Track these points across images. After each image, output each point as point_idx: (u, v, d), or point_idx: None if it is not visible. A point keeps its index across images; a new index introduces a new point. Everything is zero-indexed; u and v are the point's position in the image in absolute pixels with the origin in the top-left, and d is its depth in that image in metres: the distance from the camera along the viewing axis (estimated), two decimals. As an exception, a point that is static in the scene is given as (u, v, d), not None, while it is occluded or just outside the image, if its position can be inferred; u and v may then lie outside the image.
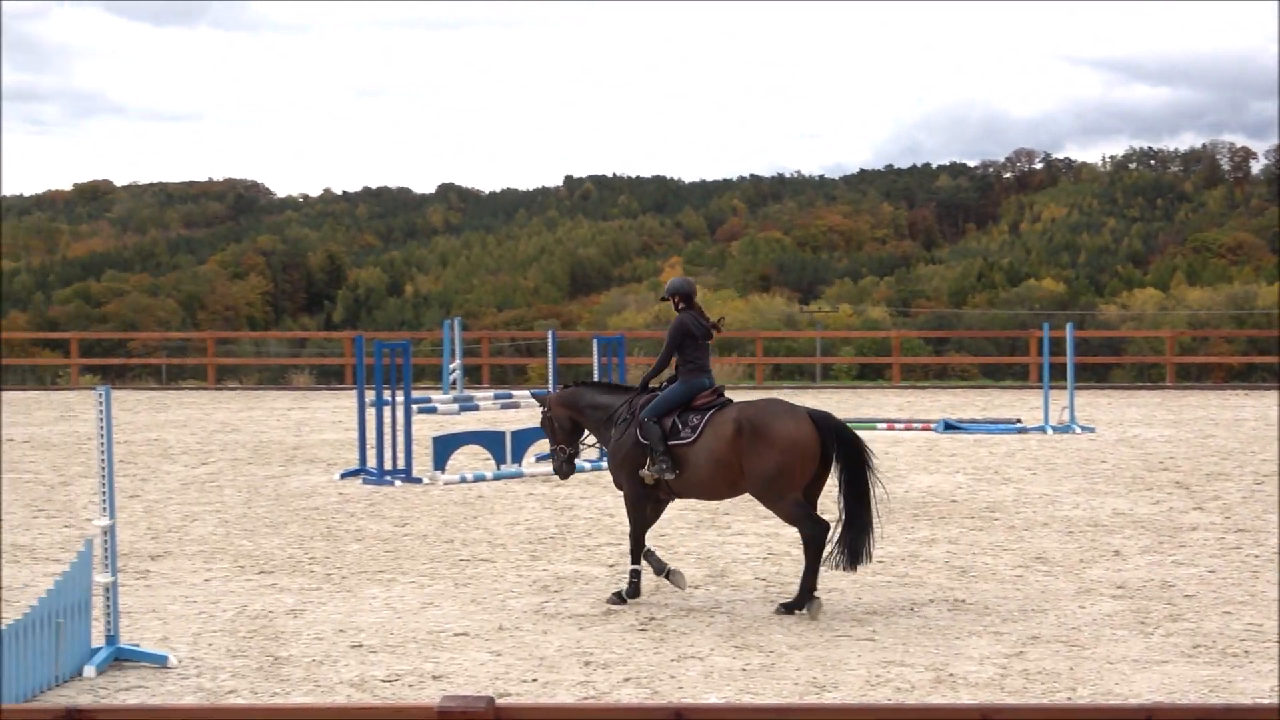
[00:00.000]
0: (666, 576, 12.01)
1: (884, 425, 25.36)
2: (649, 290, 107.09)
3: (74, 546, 14.10)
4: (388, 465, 19.25)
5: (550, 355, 22.56)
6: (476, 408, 21.04)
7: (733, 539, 14.68)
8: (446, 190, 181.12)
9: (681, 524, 15.54)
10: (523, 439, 20.16)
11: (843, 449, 11.50)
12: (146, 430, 25.74)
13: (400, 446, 19.42)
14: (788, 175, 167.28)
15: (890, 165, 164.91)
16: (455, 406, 20.77)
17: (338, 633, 10.76)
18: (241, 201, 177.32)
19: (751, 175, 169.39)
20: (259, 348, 60.95)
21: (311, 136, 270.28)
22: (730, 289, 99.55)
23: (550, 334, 23.32)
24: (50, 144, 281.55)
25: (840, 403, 31.77)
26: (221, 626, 10.98)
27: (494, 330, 70.02)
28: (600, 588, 12.30)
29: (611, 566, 13.21)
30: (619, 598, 11.83)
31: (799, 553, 13.84)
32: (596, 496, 17.71)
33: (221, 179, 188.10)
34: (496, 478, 19.25)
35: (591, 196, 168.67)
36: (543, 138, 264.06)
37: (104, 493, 10.05)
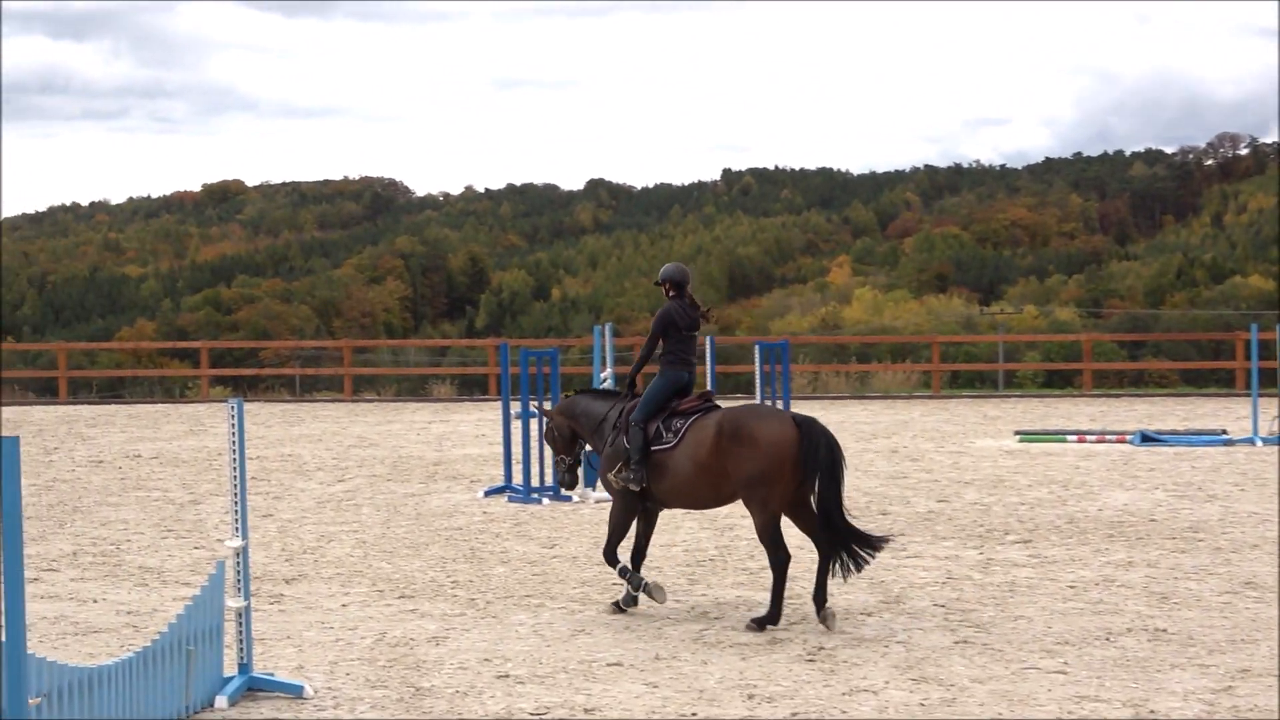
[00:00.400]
0: (647, 592, 12.35)
1: (1074, 437, 25.02)
2: (814, 292, 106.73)
3: (205, 569, 14.35)
4: (535, 482, 19.35)
5: (709, 363, 22.52)
6: (629, 420, 21.05)
7: (908, 562, 14.56)
8: (596, 186, 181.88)
9: (852, 545, 15.43)
10: (679, 453, 20.14)
11: (824, 457, 11.78)
12: (280, 445, 26.14)
13: (548, 462, 19.51)
14: (965, 165, 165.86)
15: (1079, 153, 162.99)
16: (607, 418, 20.82)
17: (482, 662, 10.83)
18: (379, 201, 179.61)
19: (926, 166, 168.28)
20: (397, 357, 61.68)
21: (452, 132, 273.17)
22: (903, 289, 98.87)
23: (709, 340, 23.26)
24: (178, 143, 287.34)
25: (1025, 413, 31.40)
26: (359, 655, 11.10)
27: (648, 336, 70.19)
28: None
29: (776, 591, 13.15)
30: (617, 608, 12.46)
31: (982, 576, 13.69)
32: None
33: (358, 177, 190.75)
34: (651, 495, 19.24)
35: (752, 191, 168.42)
36: (698, 129, 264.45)
37: (235, 512, 10.20)
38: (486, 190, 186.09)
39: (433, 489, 20.35)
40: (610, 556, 12.57)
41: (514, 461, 20.00)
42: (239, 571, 10.21)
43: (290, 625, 12.12)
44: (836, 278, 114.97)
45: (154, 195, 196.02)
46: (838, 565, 11.91)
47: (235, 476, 10.19)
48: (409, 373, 45.60)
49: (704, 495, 12.21)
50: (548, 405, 13.70)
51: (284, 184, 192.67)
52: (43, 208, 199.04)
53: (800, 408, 30.85)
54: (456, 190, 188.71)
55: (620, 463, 12.38)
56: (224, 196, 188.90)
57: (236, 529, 10.17)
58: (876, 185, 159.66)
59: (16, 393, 41.90)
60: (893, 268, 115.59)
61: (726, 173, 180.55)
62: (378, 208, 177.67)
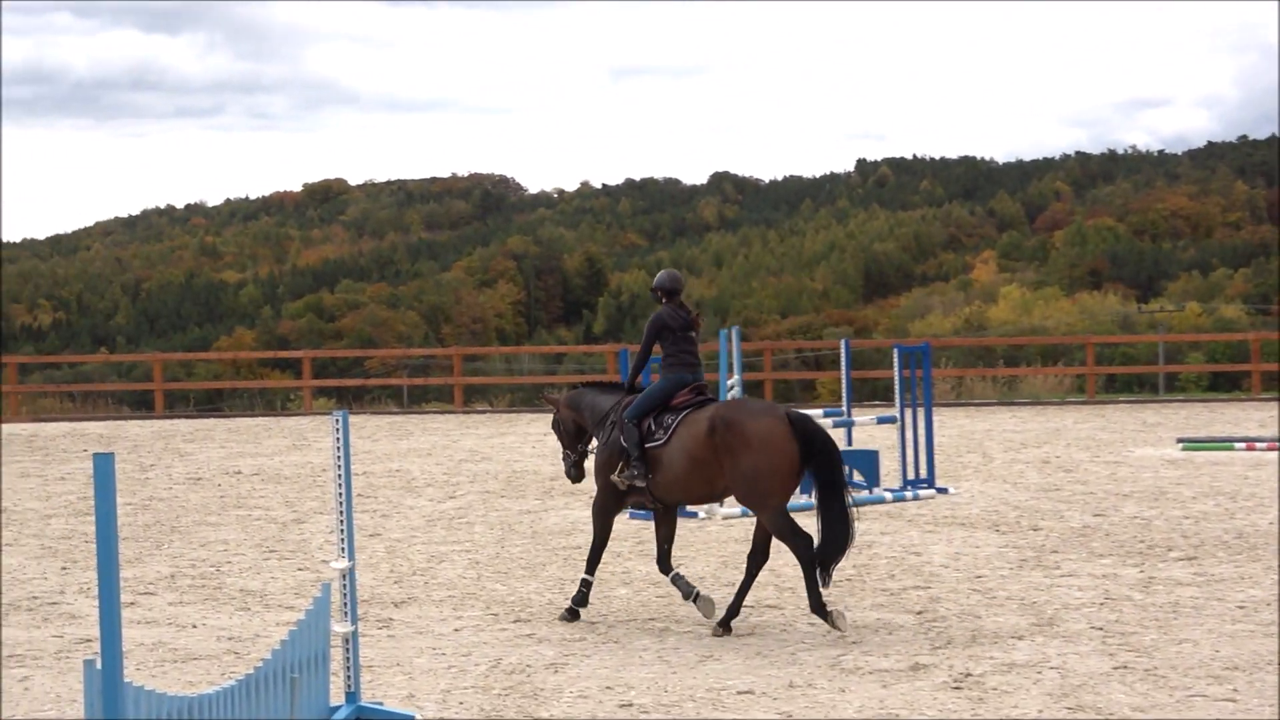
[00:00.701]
0: (696, 603, 12.96)
1: (1242, 445, 24.69)
2: (957, 291, 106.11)
3: (309, 592, 14.49)
4: (658, 497, 19.37)
5: (843, 368, 22.46)
6: (759, 430, 21.04)
7: (1062, 581, 14.43)
8: (720, 180, 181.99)
9: (1002, 564, 15.33)
10: (813, 466, 20.09)
11: (817, 454, 12.38)
12: (387, 460, 26.36)
13: (672, 475, 19.53)
14: (1120, 151, 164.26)
15: (1244, 136, 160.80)
16: (734, 429, 20.83)
17: (604, 690, 10.85)
18: (489, 199, 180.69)
19: (1077, 152, 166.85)
20: (510, 365, 62.03)
21: (567, 124, 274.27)
22: (1054, 287, 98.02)
23: (843, 343, 23.20)
24: (277, 140, 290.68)
25: (1189, 419, 31.04)
26: (473, 682, 11.16)
27: (777, 340, 70.13)
28: (907, 637, 12.19)
29: (919, 613, 13.09)
30: (572, 613, 13.19)
31: (1142, 596, 13.54)
32: (899, 532, 17.59)
33: (467, 174, 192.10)
34: (783, 511, 19.22)
35: (889, 183, 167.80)
36: (831, 117, 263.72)
37: (341, 531, 10.29)
38: (604, 186, 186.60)
39: (549, 505, 20.43)
40: (595, 554, 13.48)
41: (635, 475, 20.01)
42: (345, 594, 10.29)
43: (400, 651, 12.21)
44: (981, 275, 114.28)
45: (252, 196, 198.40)
46: (822, 569, 12.38)
47: (341, 493, 10.27)
48: (523, 381, 45.84)
49: (698, 489, 12.97)
50: (556, 395, 14.20)
51: (389, 182, 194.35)
52: (136, 211, 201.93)
53: (944, 415, 30.69)
54: (572, 186, 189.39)
55: (620, 461, 13.18)
56: (326, 197, 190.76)
57: (342, 549, 10.25)
58: (1023, 174, 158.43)
59: (110, 406, 42.57)
60: (1042, 263, 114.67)
61: (861, 163, 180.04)
62: (488, 206, 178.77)
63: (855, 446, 22.10)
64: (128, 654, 11.92)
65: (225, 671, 11.54)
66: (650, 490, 13.14)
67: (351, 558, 10.25)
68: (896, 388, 21.35)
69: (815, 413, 21.94)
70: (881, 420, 21.93)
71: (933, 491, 20.41)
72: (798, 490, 13.31)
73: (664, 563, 13.41)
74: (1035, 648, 11.85)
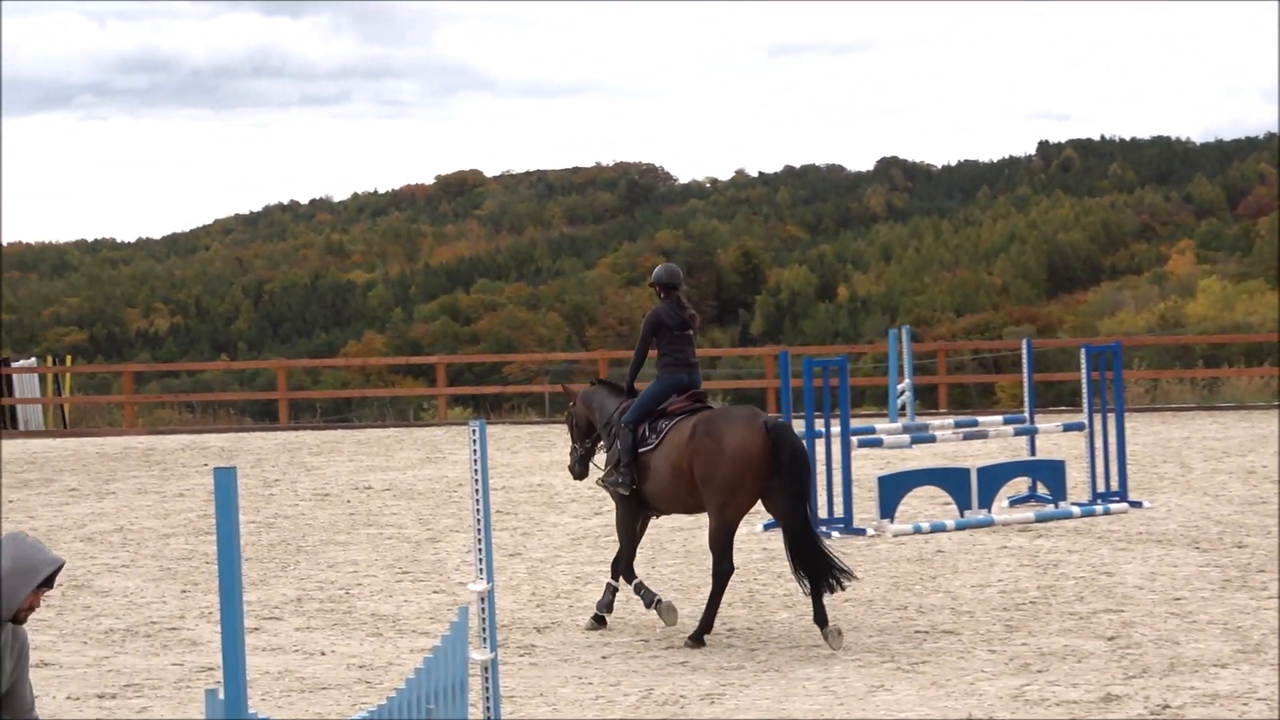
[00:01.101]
0: (658, 611, 14.08)
1: None
2: (1151, 285, 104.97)
3: (445, 616, 14.62)
4: (823, 513, 19.34)
5: (1025, 370, 22.33)
6: (933, 439, 20.96)
7: (1269, 603, 14.25)
8: (888, 166, 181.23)
9: (1203, 585, 15.16)
10: (992, 477, 19.99)
11: (785, 466, 13.22)
12: (528, 473, 26.51)
13: (838, 489, 19.49)
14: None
15: None
16: (905, 437, 20.75)
17: (765, 723, 10.86)
18: (636, 190, 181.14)
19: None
20: (661, 369, 62.02)
21: (720, 107, 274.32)
22: (1259, 279, 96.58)
23: (1025, 343, 23.05)
24: (408, 129, 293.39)
25: None
26: (623, 713, 11.20)
27: (952, 341, 69.74)
28: (1098, 665, 12.10)
29: (1111, 639, 12.98)
30: (598, 620, 14.17)
31: (1360, 621, 13.34)
32: (1088, 550, 17.44)
33: (612, 164, 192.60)
34: (960, 527, 19.14)
35: (1074, 167, 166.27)
36: (1008, 95, 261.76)
37: (479, 551, 10.36)
38: (760, 174, 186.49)
39: (704, 522, 20.41)
40: (625, 571, 14.38)
41: (798, 489, 19.99)
42: (484, 619, 10.37)
43: (543, 680, 12.28)
44: (1177, 267, 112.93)
45: (381, 190, 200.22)
46: (826, 581, 13.21)
47: (478, 510, 10.34)
48: (674, 388, 45.82)
49: (683, 499, 13.83)
50: (576, 387, 15.01)
51: (528, 173, 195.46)
52: (257, 207, 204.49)
53: (1137, 421, 30.37)
54: (726, 175, 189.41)
55: (612, 465, 14.09)
56: (460, 189, 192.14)
57: (481, 570, 10.33)
58: (1224, 156, 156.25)
59: (232, 417, 43.17)
60: (1245, 253, 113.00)
61: (1043, 145, 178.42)
62: (635, 198, 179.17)
63: (1039, 456, 21.93)
64: (252, 683, 12.09)
65: (356, 702, 11.68)
66: (645, 499, 14.09)
67: (490, 579, 10.32)
68: (1084, 391, 21.15)
69: (995, 419, 21.86)
70: (1068, 427, 21.73)
71: (1125, 505, 20.21)
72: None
73: (629, 570, 14.39)
74: (1240, 677, 11.71)
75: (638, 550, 14.75)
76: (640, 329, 14.47)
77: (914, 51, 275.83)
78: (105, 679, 12.80)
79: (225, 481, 7.65)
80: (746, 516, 20.52)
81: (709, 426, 13.47)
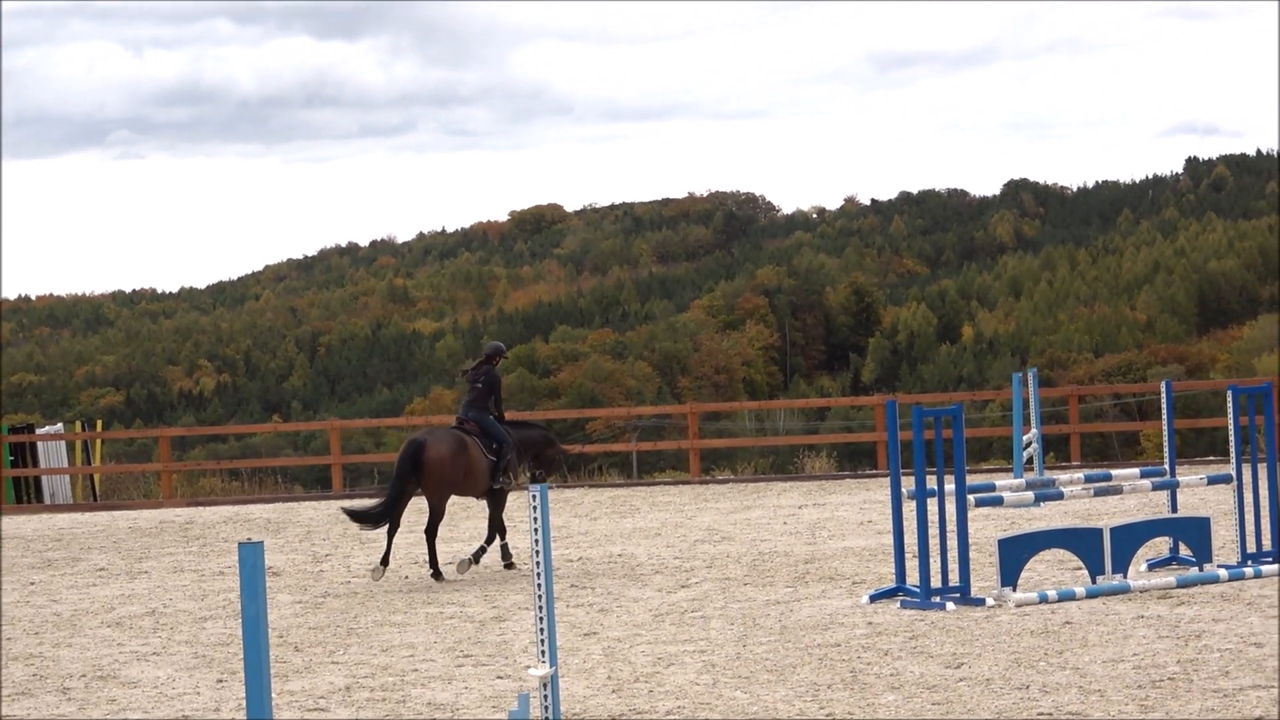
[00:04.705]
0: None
1: None
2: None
3: (508, 705, 14.62)
4: (935, 581, 19.26)
5: (1165, 416, 22.11)
6: (1061, 495, 20.82)
7: None
8: (1017, 190, 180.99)
9: (1364, 656, 15.01)
10: (1127, 538, 19.85)
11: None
12: (608, 542, 26.53)
13: (953, 554, 19.40)
14: None
15: None
16: (1029, 495, 20.62)
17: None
18: (734, 223, 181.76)
19: None
20: (761, 423, 62.08)
21: (825, 128, 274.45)
22: None
23: (1164, 385, 22.84)
24: (479, 160, 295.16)
25: None
26: (704, 812, 11.16)
27: (1088, 385, 69.42)
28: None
29: (1260, 719, 12.87)
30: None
31: None
32: (1235, 618, 17.29)
33: (706, 194, 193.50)
34: (1091, 594, 19.00)
35: (1227, 186, 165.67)
36: (1151, 107, 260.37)
37: (541, 630, 10.38)
38: (873, 202, 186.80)
39: (803, 594, 20.40)
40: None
41: (908, 555, 19.92)
42: (548, 708, 10.37)
43: (616, 775, 12.26)
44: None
45: (450, 229, 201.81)
46: None
47: (539, 584, 10.37)
48: (775, 443, 45.93)
49: None
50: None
51: (612, 207, 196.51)
52: (312, 251, 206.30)
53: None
54: (834, 204, 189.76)
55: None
56: (538, 226, 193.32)
57: (543, 653, 10.34)
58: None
59: (281, 485, 43.38)
60: None
61: (1192, 163, 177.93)
62: (733, 232, 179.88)
63: (1182, 513, 21.78)
64: (291, 782, 12.10)
65: (406, 802, 11.68)
66: None
67: (553, 663, 10.33)
68: (1232, 439, 20.97)
69: (1131, 473, 21.68)
70: (1214, 480, 21.56)
71: (1278, 567, 20.04)
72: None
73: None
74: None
75: None
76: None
77: (1042, 61, 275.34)
78: (129, 780, 12.85)
79: (251, 558, 7.69)
80: (851, 588, 20.57)
81: None
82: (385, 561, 23.03)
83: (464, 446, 23.80)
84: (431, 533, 23.54)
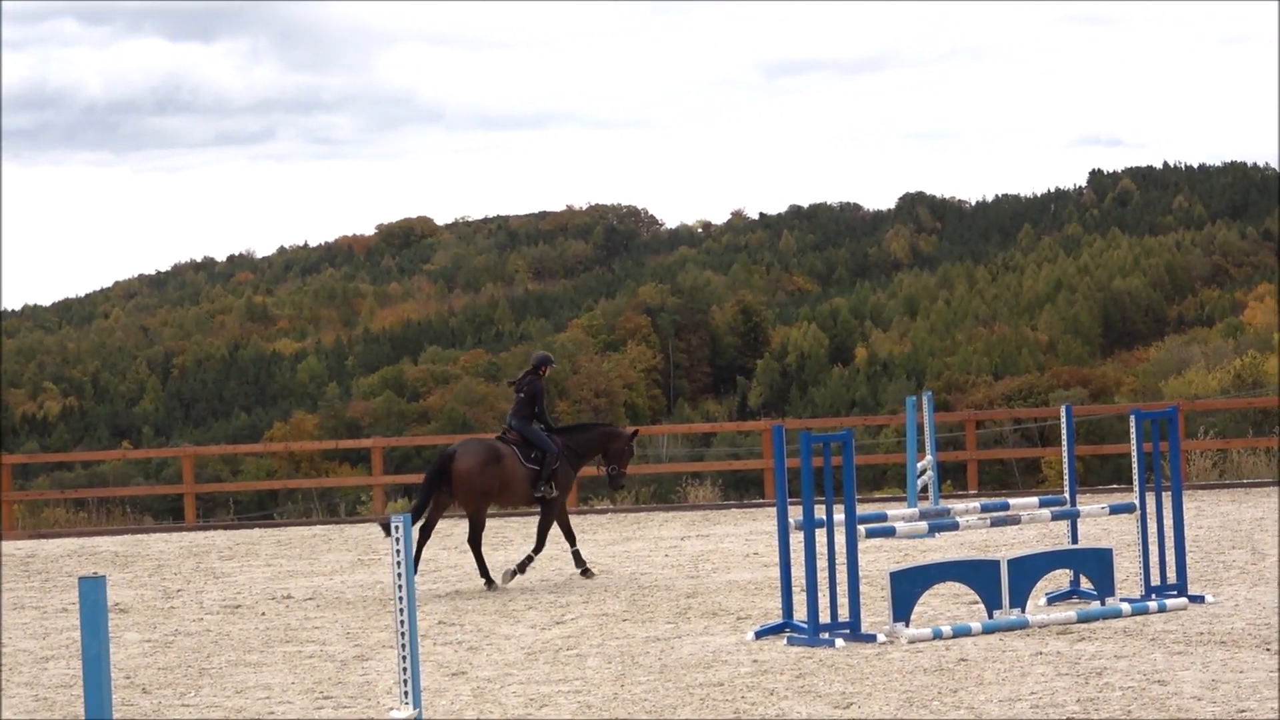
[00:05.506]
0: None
1: None
2: (1224, 338, 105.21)
3: (370, 749, 14.57)
4: (824, 616, 19.32)
5: (1065, 442, 22.22)
6: (956, 526, 20.94)
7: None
8: (912, 204, 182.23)
9: (1273, 693, 15.16)
10: (1026, 571, 19.96)
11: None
12: (478, 577, 26.49)
13: (842, 587, 19.46)
14: None
15: None
16: (923, 525, 20.71)
17: None
18: (615, 238, 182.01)
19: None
20: (643, 449, 62.06)
21: (711, 138, 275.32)
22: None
23: (1064, 410, 22.96)
24: (343, 171, 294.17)
25: None
26: None
27: (986, 409, 69.84)
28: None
29: (1161, 761, 12.96)
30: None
31: None
32: (1139, 654, 17.41)
33: (585, 207, 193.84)
34: (987, 630, 19.11)
35: (1132, 200, 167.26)
36: (1054, 118, 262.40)
37: (403, 669, 10.36)
38: (761, 216, 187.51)
39: (684, 631, 20.43)
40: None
41: (795, 589, 19.97)
42: (409, 752, 10.34)
43: (484, 823, 12.24)
44: (1255, 316, 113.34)
45: (312, 243, 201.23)
46: None
47: (402, 621, 10.35)
48: (656, 470, 45.87)
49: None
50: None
51: (486, 220, 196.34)
52: (165, 266, 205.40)
53: (1201, 500, 30.42)
54: (720, 218, 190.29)
55: None
56: (406, 241, 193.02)
57: (406, 695, 10.33)
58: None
59: (130, 516, 43.06)
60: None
61: (1095, 176, 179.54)
62: (613, 247, 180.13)
63: (1083, 544, 21.93)
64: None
65: None
66: None
67: (417, 704, 10.31)
68: (1135, 466, 21.16)
69: (1029, 501, 21.80)
70: (1116, 509, 21.72)
71: (1184, 601, 20.21)
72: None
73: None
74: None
75: None
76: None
77: (940, 69, 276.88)
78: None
79: (92, 593, 7.64)
80: (736, 623, 20.63)
81: None
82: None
83: (498, 456, 25.01)
84: (475, 543, 24.85)
